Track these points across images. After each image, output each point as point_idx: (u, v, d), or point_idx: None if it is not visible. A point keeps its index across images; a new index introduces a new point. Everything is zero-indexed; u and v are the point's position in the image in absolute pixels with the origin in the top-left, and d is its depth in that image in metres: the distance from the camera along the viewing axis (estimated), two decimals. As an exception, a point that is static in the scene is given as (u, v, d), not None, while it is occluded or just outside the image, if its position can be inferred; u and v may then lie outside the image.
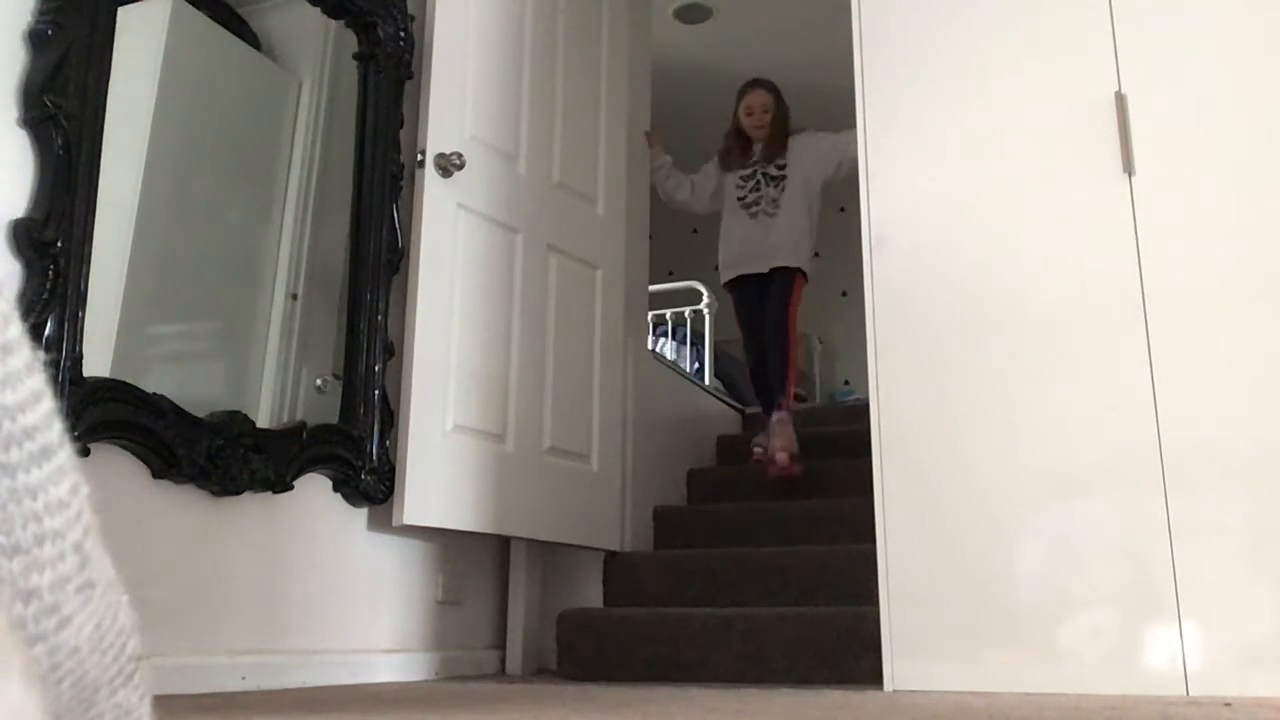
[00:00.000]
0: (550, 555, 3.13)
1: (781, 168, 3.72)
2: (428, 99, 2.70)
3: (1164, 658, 1.97)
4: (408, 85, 2.78)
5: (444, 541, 2.76)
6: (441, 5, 2.78)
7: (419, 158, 2.68)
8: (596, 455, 3.12)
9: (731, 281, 3.78)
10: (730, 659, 2.52)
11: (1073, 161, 2.26)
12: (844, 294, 6.21)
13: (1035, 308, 2.23)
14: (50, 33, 1.91)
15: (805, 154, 3.71)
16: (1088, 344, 2.17)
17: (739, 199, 3.76)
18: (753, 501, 3.53)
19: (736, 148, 3.82)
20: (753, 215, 3.73)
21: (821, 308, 6.58)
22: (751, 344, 3.80)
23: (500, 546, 3.01)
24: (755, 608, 2.68)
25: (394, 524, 2.50)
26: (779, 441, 3.57)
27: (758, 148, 3.76)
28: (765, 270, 3.66)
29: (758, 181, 3.74)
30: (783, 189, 3.70)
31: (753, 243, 3.70)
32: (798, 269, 3.66)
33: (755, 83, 3.83)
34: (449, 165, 2.69)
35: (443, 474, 2.60)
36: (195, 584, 2.12)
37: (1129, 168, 2.21)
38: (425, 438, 2.57)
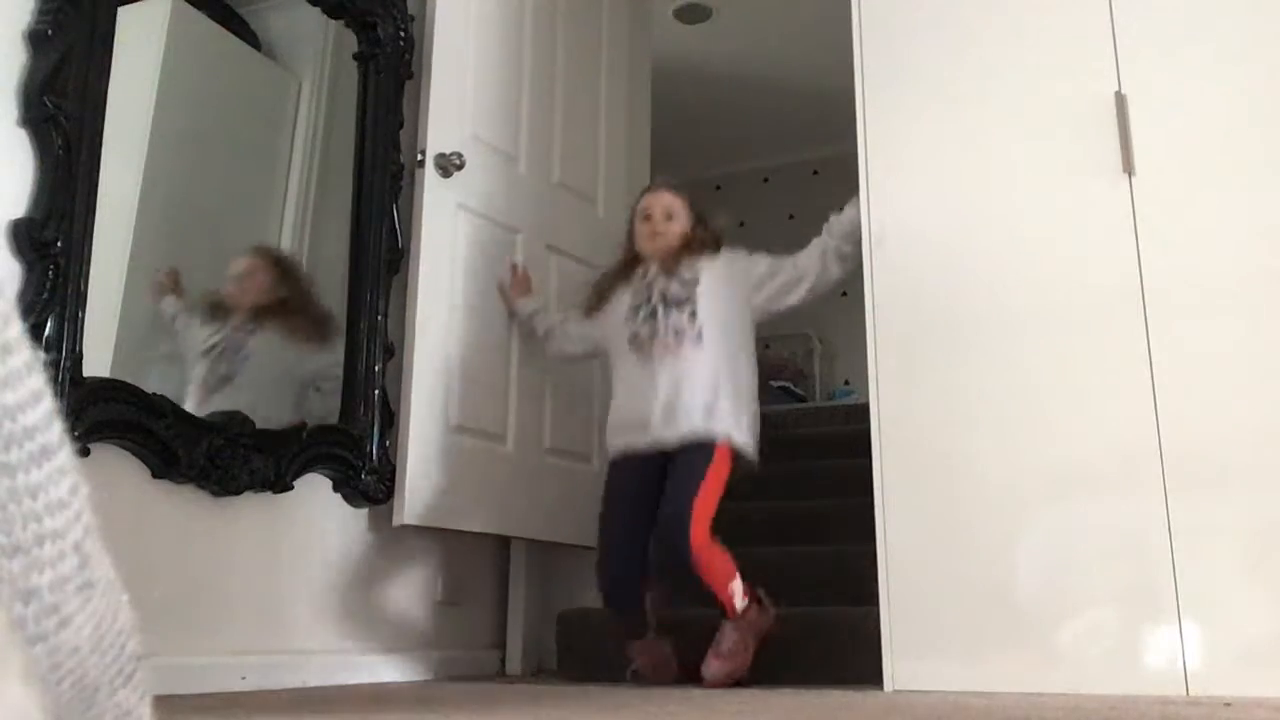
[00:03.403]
0: (550, 555, 3.13)
1: (690, 284, 2.52)
2: (428, 99, 2.70)
3: (1164, 658, 1.97)
4: (408, 85, 2.78)
5: (444, 541, 2.76)
6: (442, 5, 2.78)
7: (419, 157, 2.68)
8: (597, 455, 3.12)
9: (615, 459, 2.54)
10: (730, 659, 2.52)
11: (1073, 161, 2.26)
12: (844, 294, 6.21)
13: (1035, 308, 2.23)
14: (50, 33, 1.91)
15: (732, 270, 2.57)
16: (1088, 344, 2.17)
17: (627, 336, 2.54)
18: (753, 501, 3.52)
19: (617, 270, 2.66)
20: (642, 354, 2.50)
21: (821, 308, 6.57)
22: (612, 551, 2.46)
23: (500, 546, 3.01)
24: (755, 608, 2.67)
25: (394, 524, 2.50)
26: (716, 657, 2.29)
27: (651, 266, 2.58)
28: (667, 440, 2.42)
29: (653, 306, 2.52)
30: (692, 312, 2.48)
31: (644, 396, 2.46)
32: (718, 440, 2.39)
33: (659, 182, 2.73)
34: (449, 165, 2.69)
35: (443, 474, 2.60)
36: (195, 584, 2.12)
37: (1129, 168, 2.20)
38: (426, 437, 2.57)
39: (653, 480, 2.41)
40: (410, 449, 2.52)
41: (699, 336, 2.46)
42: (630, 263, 2.64)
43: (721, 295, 2.52)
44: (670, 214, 2.61)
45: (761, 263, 2.57)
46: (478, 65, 2.87)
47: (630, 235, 2.67)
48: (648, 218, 2.62)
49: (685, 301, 2.49)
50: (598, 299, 2.66)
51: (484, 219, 2.84)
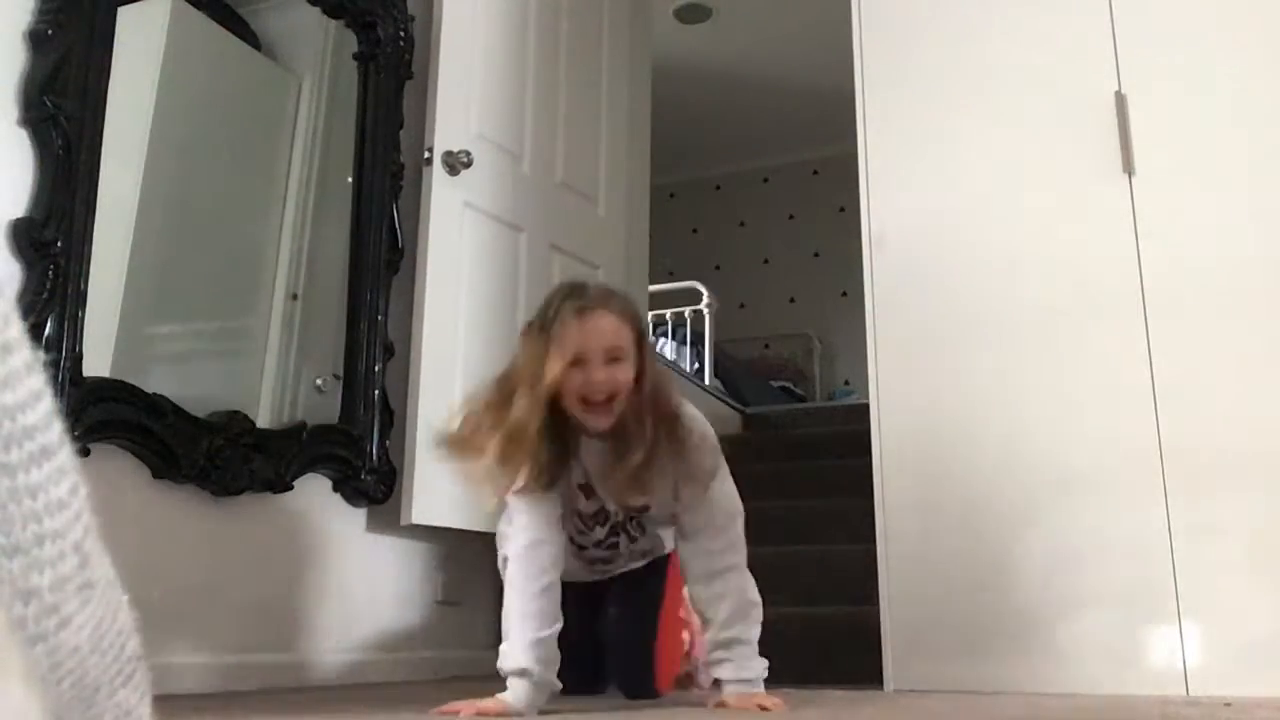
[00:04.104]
0: (550, 555, 3.12)
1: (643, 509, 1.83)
2: (435, 97, 2.70)
3: (1164, 657, 1.98)
4: (408, 85, 2.78)
5: (444, 541, 2.76)
6: (449, 3, 2.78)
7: (426, 155, 2.68)
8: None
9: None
10: (730, 659, 2.51)
11: (1073, 161, 2.26)
12: (844, 294, 6.22)
13: (1035, 308, 2.23)
14: (50, 33, 1.91)
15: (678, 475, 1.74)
16: (1088, 344, 2.17)
17: (572, 536, 1.84)
18: (752, 501, 3.51)
19: (550, 457, 1.66)
20: (590, 563, 1.93)
21: (821, 308, 6.58)
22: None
23: (500, 546, 3.01)
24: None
25: (402, 523, 2.50)
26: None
27: (592, 453, 1.72)
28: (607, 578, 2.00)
29: (609, 522, 1.86)
30: (642, 525, 1.89)
31: (593, 570, 1.96)
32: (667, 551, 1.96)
33: (582, 294, 1.65)
34: (456, 163, 2.70)
35: (449, 473, 2.59)
36: (195, 584, 2.12)
37: (1129, 168, 2.21)
38: (432, 437, 2.56)
39: (595, 589, 2.00)
40: (417, 448, 2.52)
41: (649, 525, 1.90)
42: (562, 426, 1.67)
43: (668, 504, 1.79)
44: (618, 350, 1.62)
45: (699, 503, 1.78)
46: (484, 64, 2.87)
47: (536, 370, 1.60)
48: (580, 362, 1.60)
49: (639, 517, 1.87)
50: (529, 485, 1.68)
51: (490, 217, 2.84)
